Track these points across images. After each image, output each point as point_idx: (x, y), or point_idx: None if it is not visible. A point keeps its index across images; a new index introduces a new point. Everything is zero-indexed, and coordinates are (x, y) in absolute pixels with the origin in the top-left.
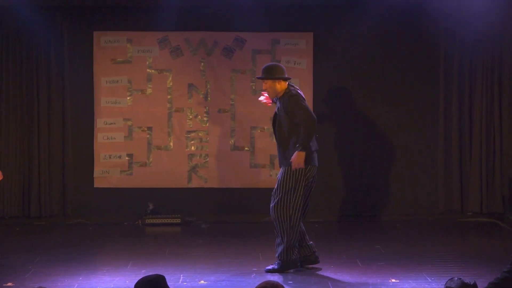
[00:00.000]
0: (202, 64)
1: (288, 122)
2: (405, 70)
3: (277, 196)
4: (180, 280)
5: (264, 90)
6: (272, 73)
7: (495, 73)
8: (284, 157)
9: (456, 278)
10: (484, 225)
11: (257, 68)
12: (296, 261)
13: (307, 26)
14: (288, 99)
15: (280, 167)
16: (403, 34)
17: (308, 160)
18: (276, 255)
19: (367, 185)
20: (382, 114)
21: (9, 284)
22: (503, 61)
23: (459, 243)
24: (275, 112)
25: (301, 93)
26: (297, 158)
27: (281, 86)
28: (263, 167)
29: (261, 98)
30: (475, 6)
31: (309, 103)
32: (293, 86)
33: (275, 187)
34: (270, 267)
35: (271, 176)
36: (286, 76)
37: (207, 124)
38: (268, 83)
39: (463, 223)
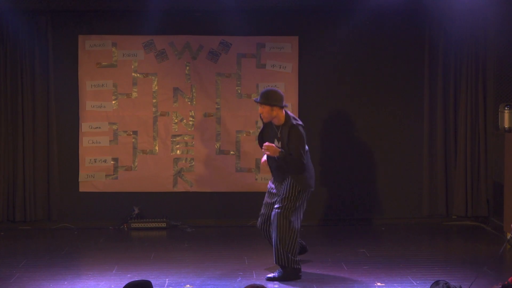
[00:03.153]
0: (187, 68)
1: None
2: (390, 73)
3: (283, 203)
4: (166, 284)
5: (261, 113)
6: (270, 99)
7: (479, 77)
8: (284, 172)
9: (441, 282)
10: (469, 228)
11: (242, 72)
12: (298, 271)
13: (292, 30)
14: (293, 135)
15: (281, 181)
16: (388, 37)
17: (309, 184)
18: (275, 262)
19: (352, 189)
20: (367, 118)
21: None
22: (487, 63)
23: (444, 247)
24: (263, 131)
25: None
26: (275, 150)
27: (277, 112)
28: (249, 171)
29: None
30: (458, 6)
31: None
32: (292, 115)
33: (280, 196)
34: (271, 275)
35: (257, 180)
36: (284, 104)
37: (193, 128)
38: (265, 108)
39: (448, 227)
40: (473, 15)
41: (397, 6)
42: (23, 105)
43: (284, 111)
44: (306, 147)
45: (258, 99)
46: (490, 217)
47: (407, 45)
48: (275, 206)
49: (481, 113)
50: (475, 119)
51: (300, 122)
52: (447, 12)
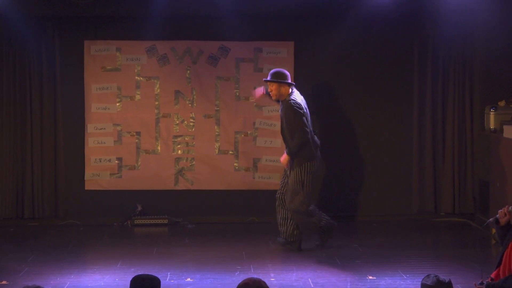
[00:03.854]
0: (188, 71)
1: (288, 126)
2: (382, 76)
3: (292, 197)
4: (168, 278)
5: (270, 91)
6: (277, 77)
7: (466, 80)
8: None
9: (432, 275)
10: (456, 225)
11: (240, 75)
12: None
13: (289, 35)
14: (288, 109)
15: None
16: (380, 42)
17: (311, 157)
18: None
19: (343, 186)
20: (360, 119)
21: (4, 282)
22: (474, 68)
23: (432, 242)
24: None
25: (301, 102)
26: (285, 159)
27: (285, 89)
28: (247, 170)
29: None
30: (447, 12)
31: None
32: (294, 93)
33: (288, 189)
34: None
35: (254, 179)
36: (290, 81)
37: (193, 129)
38: (274, 86)
39: (437, 223)
40: (461, 21)
41: (388, 12)
42: (31, 108)
43: (291, 89)
44: (310, 127)
45: (267, 79)
46: (477, 214)
47: (398, 50)
48: (287, 201)
49: (467, 114)
50: (462, 120)
51: (296, 100)
52: (436, 19)
